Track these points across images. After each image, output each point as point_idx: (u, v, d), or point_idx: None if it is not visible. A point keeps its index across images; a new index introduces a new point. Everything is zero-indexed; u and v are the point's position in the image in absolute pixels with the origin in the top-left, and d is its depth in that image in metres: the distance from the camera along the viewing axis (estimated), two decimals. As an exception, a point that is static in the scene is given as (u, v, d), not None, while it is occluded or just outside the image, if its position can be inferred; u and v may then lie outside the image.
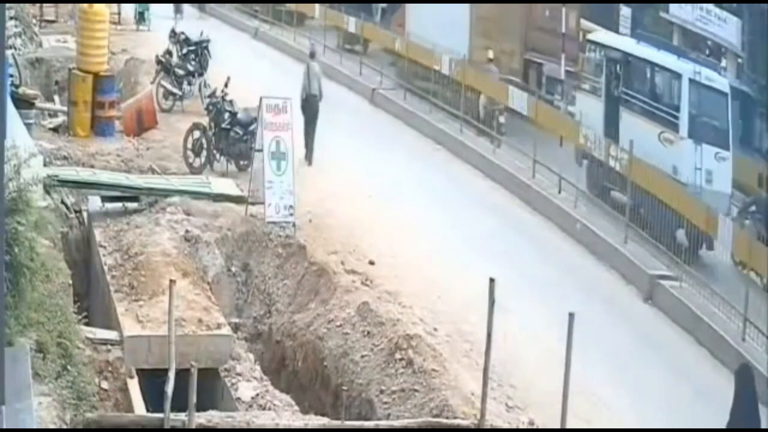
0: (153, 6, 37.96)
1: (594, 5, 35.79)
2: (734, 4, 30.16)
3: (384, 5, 38.14)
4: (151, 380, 14.05)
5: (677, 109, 22.10)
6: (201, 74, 27.55)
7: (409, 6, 33.15)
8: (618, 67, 23.95)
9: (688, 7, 31.25)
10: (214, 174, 21.87)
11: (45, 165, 17.94)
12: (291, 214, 19.24)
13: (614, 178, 22.26)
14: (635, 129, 22.62)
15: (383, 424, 13.35)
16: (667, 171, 21.18)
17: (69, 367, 12.56)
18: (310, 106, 24.07)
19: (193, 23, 35.62)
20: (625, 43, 24.54)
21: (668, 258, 19.28)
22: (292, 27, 39.09)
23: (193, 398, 11.22)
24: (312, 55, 26.15)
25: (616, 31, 33.46)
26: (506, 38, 29.86)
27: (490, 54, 27.97)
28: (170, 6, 38.94)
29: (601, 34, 26.13)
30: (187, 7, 40.65)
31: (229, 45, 34.85)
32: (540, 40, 29.55)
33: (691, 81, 22.08)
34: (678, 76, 22.33)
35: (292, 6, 40.45)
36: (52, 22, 36.89)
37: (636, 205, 21.01)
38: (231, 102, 22.69)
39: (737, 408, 11.96)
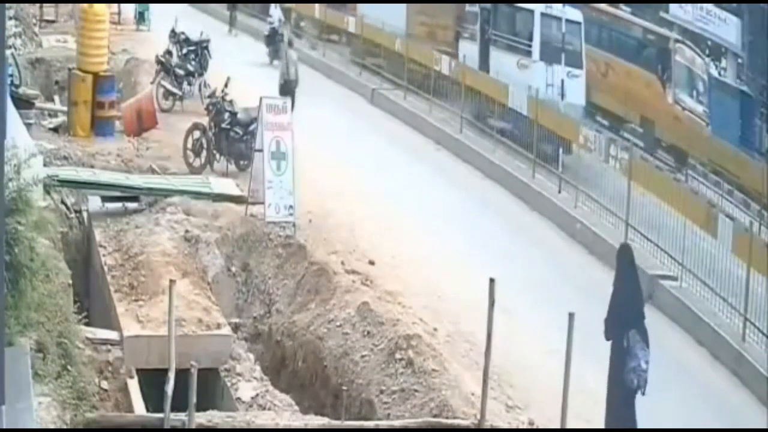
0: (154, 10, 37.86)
1: (593, 5, 35.90)
2: (734, 4, 30.22)
3: None
4: (151, 380, 14.04)
5: (531, 39, 27.25)
6: (201, 74, 27.56)
7: None
8: (488, 14, 29.12)
9: (688, 7, 31.35)
10: (214, 174, 21.85)
11: (45, 165, 17.93)
12: (291, 214, 19.23)
13: (491, 107, 26.90)
14: (500, 61, 28.11)
15: (383, 424, 13.35)
16: (523, 89, 25.51)
17: (69, 367, 12.56)
18: (287, 90, 26.30)
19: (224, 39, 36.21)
20: None
21: (537, 164, 23.92)
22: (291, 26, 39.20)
23: (193, 398, 11.22)
24: (290, 44, 28.80)
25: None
26: (441, 14, 33.11)
27: None
28: (169, 8, 38.92)
29: None
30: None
31: (229, 45, 34.98)
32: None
33: (543, 14, 27.22)
34: (531, 12, 27.41)
35: (292, 6, 40.68)
36: (52, 22, 36.87)
37: (512, 126, 25.80)
38: (231, 102, 22.68)
39: (619, 280, 13.13)
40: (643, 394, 12.96)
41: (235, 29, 40.00)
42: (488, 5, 28.90)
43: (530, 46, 27.39)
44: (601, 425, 14.27)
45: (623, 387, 12.89)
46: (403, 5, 33.66)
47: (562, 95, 26.77)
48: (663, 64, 29.55)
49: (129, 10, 38.06)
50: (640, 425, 14.33)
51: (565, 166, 24.02)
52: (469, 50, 29.59)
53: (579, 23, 27.61)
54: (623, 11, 34.03)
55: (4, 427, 9.41)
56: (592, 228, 21.09)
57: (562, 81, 27.19)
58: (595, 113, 30.07)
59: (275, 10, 36.30)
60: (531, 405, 14.60)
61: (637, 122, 29.78)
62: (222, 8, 43.37)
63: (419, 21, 33.41)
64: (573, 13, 27.59)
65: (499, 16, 29.08)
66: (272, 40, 35.08)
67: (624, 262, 13.46)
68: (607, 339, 13.02)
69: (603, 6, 32.41)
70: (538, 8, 27.14)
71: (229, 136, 22.28)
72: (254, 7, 42.71)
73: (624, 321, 13.04)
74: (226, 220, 19.15)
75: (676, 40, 29.81)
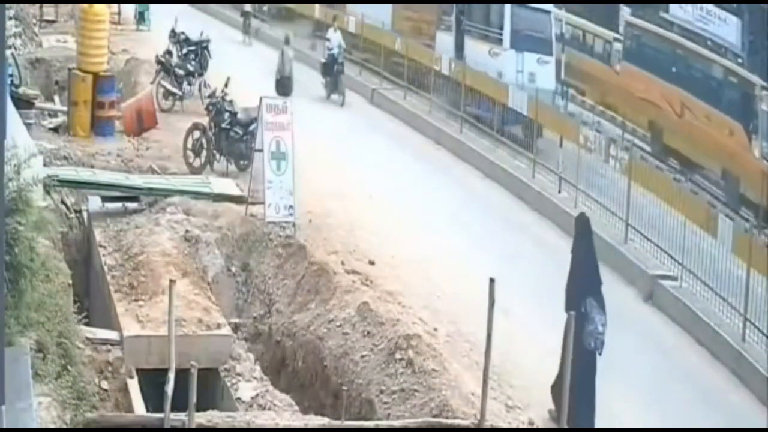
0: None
1: (595, 5, 35.92)
2: (734, 4, 30.20)
3: None
4: (151, 380, 14.05)
5: (503, 28, 28.94)
6: (201, 74, 27.58)
7: None
8: (462, 6, 30.76)
9: (688, 7, 31.31)
10: (214, 174, 21.86)
11: (45, 165, 17.93)
12: (291, 214, 19.24)
13: (468, 95, 27.75)
14: (474, 50, 29.78)
15: (383, 424, 13.34)
16: (495, 76, 27.32)
17: (69, 367, 12.55)
18: (283, 86, 27.70)
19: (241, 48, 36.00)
20: None
21: (508, 147, 25.46)
22: (290, 25, 39.23)
23: (193, 398, 11.22)
24: (286, 41, 29.90)
25: (617, 31, 34.00)
26: (425, 9, 34.51)
27: None
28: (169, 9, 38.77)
29: None
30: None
31: (229, 44, 34.92)
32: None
33: (513, 4, 28.91)
34: (501, 2, 29.13)
35: (292, 5, 40.84)
36: (52, 22, 36.87)
37: (484, 112, 26.97)
38: (231, 102, 22.69)
39: (577, 249, 14.46)
40: (600, 354, 13.81)
41: (249, 37, 38.65)
42: None
43: (501, 35, 29.04)
44: (601, 425, 14.30)
45: (582, 350, 13.62)
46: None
47: (563, 96, 27.69)
48: (747, 111, 26.59)
49: (129, 10, 38.04)
50: (646, 425, 14.39)
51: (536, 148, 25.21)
52: (445, 41, 31.36)
53: (548, 12, 29.20)
54: (625, 10, 34.10)
55: (4, 427, 9.42)
56: (592, 228, 21.05)
57: (563, 84, 28.00)
58: (667, 156, 28.44)
59: (335, 34, 31.79)
60: (531, 405, 14.60)
61: (716, 171, 27.37)
62: (224, 8, 43.38)
63: (404, 16, 34.85)
64: (542, 4, 29.09)
65: (473, 8, 30.66)
66: (330, 69, 30.86)
67: (581, 232, 14.59)
68: (567, 309, 13.69)
69: (677, 38, 30.34)
70: None
71: (229, 136, 22.29)
72: (253, 8, 42.65)
73: (582, 288, 14.06)
74: (226, 220, 19.15)
75: (763, 87, 26.60)
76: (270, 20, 41.10)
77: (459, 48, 30.62)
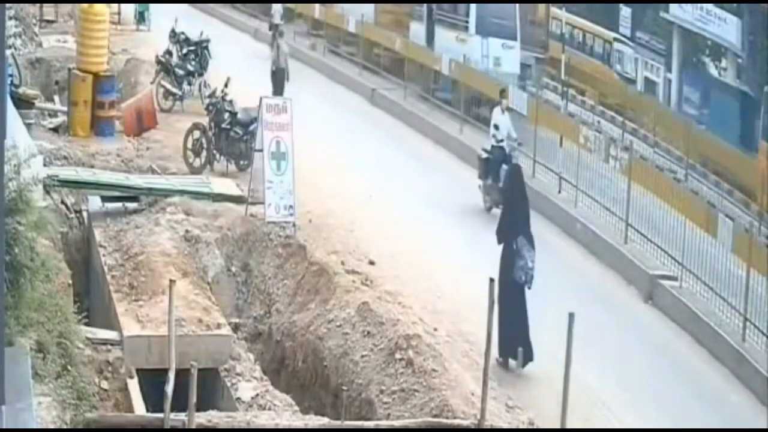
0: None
1: (595, 5, 35.97)
2: (734, 4, 30.23)
3: None
4: (151, 380, 14.05)
5: (469, 15, 30.89)
6: (201, 74, 27.57)
7: None
8: None
9: (688, 7, 31.33)
10: (214, 174, 21.87)
11: (45, 165, 17.92)
12: (291, 214, 19.23)
13: (439, 81, 30.61)
14: (444, 37, 31.87)
15: (383, 424, 13.35)
16: (460, 60, 28.91)
17: (69, 367, 12.55)
18: (277, 78, 28.49)
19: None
20: None
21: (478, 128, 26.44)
22: (290, 25, 39.24)
23: (193, 398, 11.22)
24: (281, 34, 30.55)
25: (617, 31, 34.08)
26: (405, 4, 36.00)
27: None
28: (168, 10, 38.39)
29: None
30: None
31: (228, 44, 34.85)
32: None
33: None
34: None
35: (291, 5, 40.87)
36: (52, 22, 36.86)
37: (460, 98, 28.37)
38: (231, 102, 22.69)
39: (510, 195, 16.17)
40: (530, 288, 15.31)
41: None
42: None
43: (467, 22, 31.07)
44: (601, 425, 14.32)
45: (513, 284, 15.26)
46: None
47: (563, 96, 28.53)
48: None
49: (129, 10, 38.05)
50: (645, 425, 14.39)
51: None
52: (418, 29, 33.69)
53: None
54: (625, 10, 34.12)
55: (4, 427, 9.43)
56: (592, 228, 21.10)
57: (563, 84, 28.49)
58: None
59: (502, 116, 21.91)
60: (531, 405, 14.60)
61: None
62: (222, 8, 43.36)
63: (385, 10, 36.74)
64: None
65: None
66: (495, 167, 21.48)
67: (514, 180, 16.09)
68: (499, 243, 15.69)
69: None
70: None
71: (229, 136, 22.30)
72: (254, 8, 42.68)
73: (513, 229, 15.56)
74: (226, 220, 19.15)
75: None
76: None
77: (430, 36, 32.74)
